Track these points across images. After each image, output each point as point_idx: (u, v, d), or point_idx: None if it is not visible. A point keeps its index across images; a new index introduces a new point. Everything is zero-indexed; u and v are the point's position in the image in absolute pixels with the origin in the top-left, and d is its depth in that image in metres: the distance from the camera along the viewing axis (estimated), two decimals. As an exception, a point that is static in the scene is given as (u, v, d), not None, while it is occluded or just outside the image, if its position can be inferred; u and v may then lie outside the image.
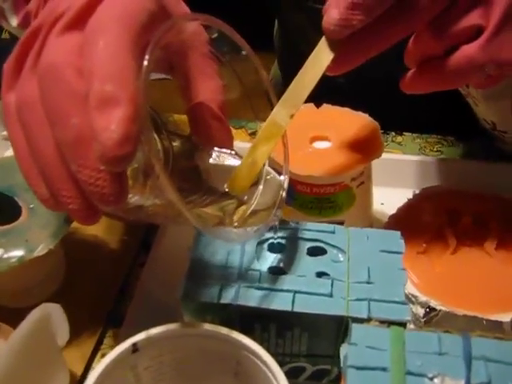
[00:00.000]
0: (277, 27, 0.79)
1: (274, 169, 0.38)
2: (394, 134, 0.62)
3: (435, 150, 0.61)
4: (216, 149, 0.37)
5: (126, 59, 0.27)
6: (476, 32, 0.37)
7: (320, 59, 0.37)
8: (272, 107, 0.37)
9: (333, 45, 0.37)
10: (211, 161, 0.37)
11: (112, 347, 0.33)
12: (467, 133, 0.60)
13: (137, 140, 0.27)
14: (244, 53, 0.35)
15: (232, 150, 0.37)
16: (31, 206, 0.44)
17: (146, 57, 0.27)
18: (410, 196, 0.50)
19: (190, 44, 0.34)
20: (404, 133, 0.63)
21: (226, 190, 0.36)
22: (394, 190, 0.53)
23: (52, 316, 0.36)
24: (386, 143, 0.61)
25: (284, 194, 0.36)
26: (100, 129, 0.26)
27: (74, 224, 0.48)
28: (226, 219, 0.35)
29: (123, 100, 0.26)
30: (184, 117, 0.37)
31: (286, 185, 0.37)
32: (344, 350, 0.30)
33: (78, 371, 0.42)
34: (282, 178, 0.37)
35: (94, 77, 0.27)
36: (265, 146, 0.36)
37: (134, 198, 0.31)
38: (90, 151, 0.27)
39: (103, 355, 0.32)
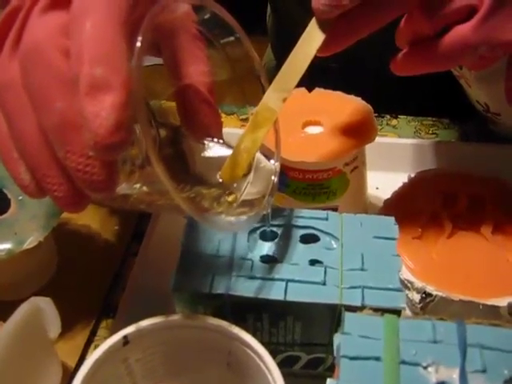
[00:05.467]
0: (269, 12, 0.77)
1: (265, 155, 0.37)
2: (388, 117, 0.62)
3: (430, 132, 0.60)
4: (206, 139, 0.36)
5: (115, 41, 0.26)
6: (469, 12, 0.36)
7: (311, 41, 0.36)
8: (264, 91, 0.36)
9: (323, 25, 0.36)
10: (200, 151, 0.36)
11: (106, 338, 0.32)
12: (462, 115, 0.59)
13: (130, 127, 0.25)
14: (236, 35, 0.34)
15: (221, 138, 0.36)
16: (20, 197, 0.43)
17: (139, 38, 0.26)
18: (406, 180, 0.49)
19: (178, 25, 0.33)
20: (399, 116, 0.62)
21: (220, 179, 0.35)
22: (389, 175, 0.53)
23: (42, 309, 0.35)
24: (380, 127, 0.60)
25: (276, 181, 0.35)
26: (91, 116, 0.25)
27: (66, 215, 0.47)
28: (209, 205, 0.34)
29: (115, 84, 0.25)
30: (173, 104, 0.36)
31: (277, 172, 0.36)
32: (337, 339, 0.29)
33: (72, 363, 0.41)
34: (273, 164, 0.36)
35: (82, 60, 0.25)
36: (258, 132, 0.35)
37: (119, 186, 0.31)
38: (77, 136, 0.26)
39: (97, 346, 0.32)
